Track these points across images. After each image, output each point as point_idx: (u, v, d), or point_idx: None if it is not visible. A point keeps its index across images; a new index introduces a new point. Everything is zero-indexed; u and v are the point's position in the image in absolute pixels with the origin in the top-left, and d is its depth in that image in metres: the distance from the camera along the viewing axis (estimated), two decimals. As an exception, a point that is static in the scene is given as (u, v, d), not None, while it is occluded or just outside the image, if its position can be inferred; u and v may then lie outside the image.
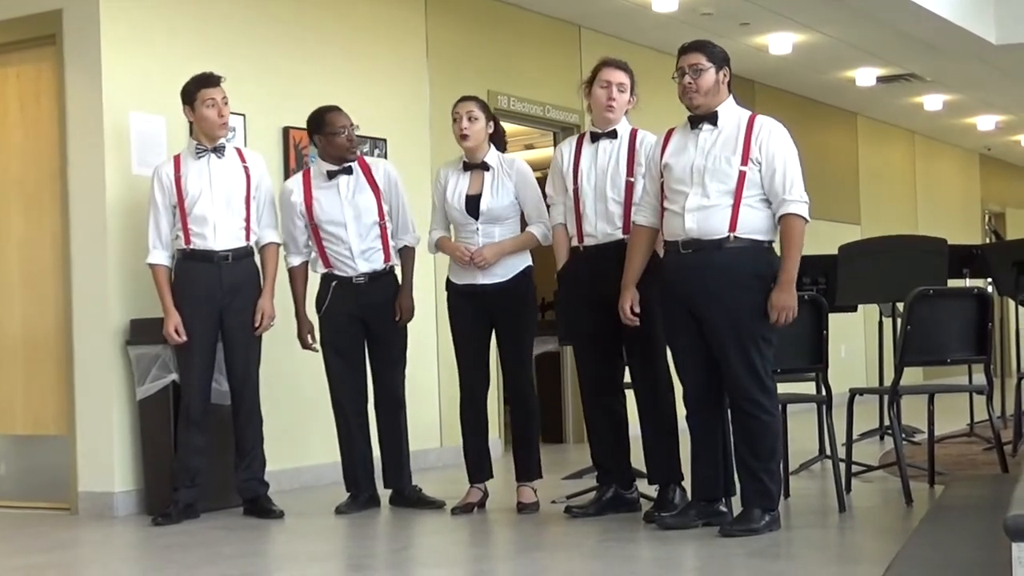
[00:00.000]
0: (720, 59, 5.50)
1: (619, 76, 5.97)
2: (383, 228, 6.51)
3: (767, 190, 5.37)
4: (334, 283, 6.50)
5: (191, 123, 6.50)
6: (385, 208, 6.52)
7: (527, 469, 6.36)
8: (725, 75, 5.50)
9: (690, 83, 5.46)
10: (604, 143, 5.97)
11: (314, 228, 6.49)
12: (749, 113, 5.51)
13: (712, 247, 5.35)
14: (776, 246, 5.46)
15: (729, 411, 5.49)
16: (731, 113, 5.49)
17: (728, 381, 5.41)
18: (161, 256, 6.40)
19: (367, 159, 6.66)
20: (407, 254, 6.61)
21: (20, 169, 7.21)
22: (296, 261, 6.59)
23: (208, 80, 6.40)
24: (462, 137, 6.28)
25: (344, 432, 6.57)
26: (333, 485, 6.77)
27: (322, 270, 6.54)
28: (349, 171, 6.49)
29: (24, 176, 7.19)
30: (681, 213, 5.42)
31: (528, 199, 6.30)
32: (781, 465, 5.65)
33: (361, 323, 6.51)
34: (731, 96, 5.54)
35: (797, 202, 5.35)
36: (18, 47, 7.16)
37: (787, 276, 5.35)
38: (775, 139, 5.39)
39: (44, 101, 7.06)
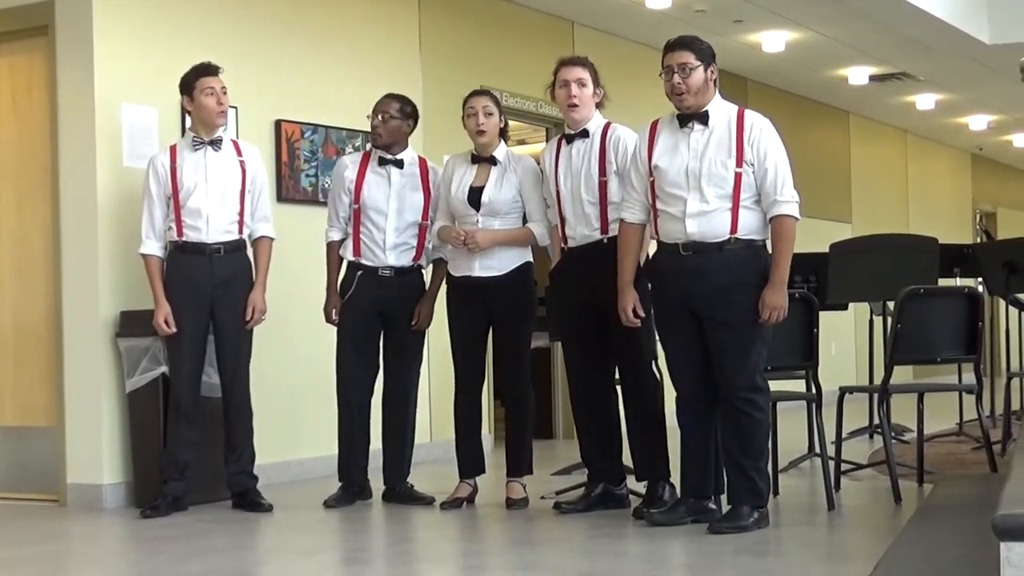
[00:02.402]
0: (708, 56, 5.45)
1: (575, 72, 5.93)
2: (423, 230, 6.49)
3: (759, 190, 5.37)
4: (360, 272, 6.48)
5: (189, 114, 6.49)
6: (431, 213, 6.50)
7: (518, 465, 6.36)
8: (713, 72, 5.45)
9: (679, 83, 5.40)
10: (577, 144, 5.96)
11: (356, 210, 6.47)
12: (737, 109, 5.46)
13: (713, 249, 5.35)
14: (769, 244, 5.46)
15: (720, 408, 5.49)
16: (721, 111, 5.44)
17: (722, 379, 5.40)
18: (153, 247, 6.38)
19: (428, 162, 6.64)
20: (441, 266, 6.55)
21: (11, 161, 7.19)
22: (336, 236, 6.56)
23: (207, 69, 6.39)
24: (479, 132, 6.26)
25: (346, 423, 6.54)
26: (322, 479, 6.76)
27: (351, 257, 6.52)
28: (399, 164, 6.48)
29: (15, 168, 7.18)
30: (681, 218, 5.40)
31: (531, 197, 6.25)
32: (770, 463, 5.65)
33: (380, 317, 6.49)
34: (717, 91, 5.51)
35: (788, 202, 5.34)
36: (10, 38, 7.14)
37: (779, 276, 5.35)
38: (765, 138, 5.36)
39: (36, 93, 7.05)
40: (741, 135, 5.36)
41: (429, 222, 6.47)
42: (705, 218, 5.36)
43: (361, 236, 6.47)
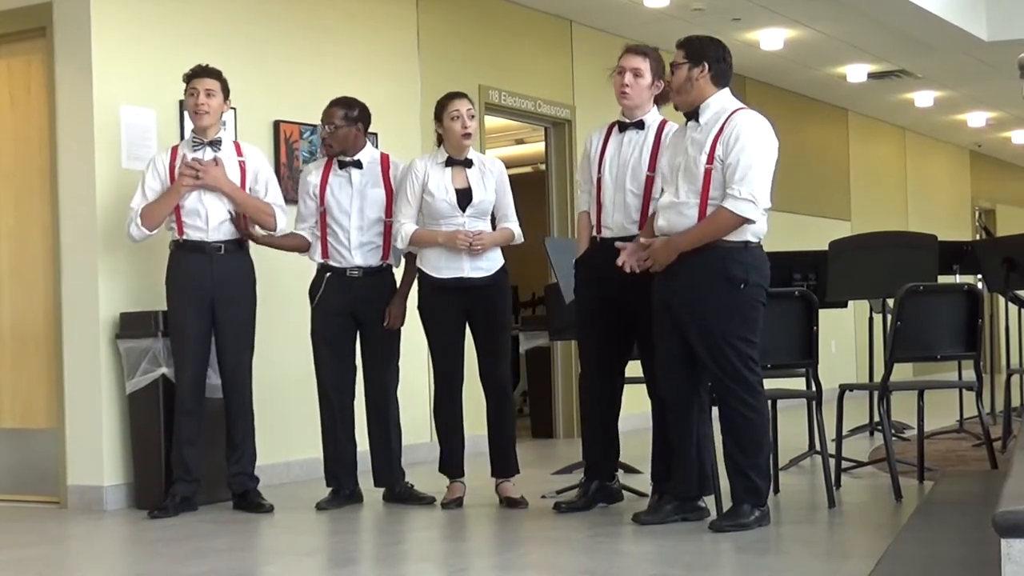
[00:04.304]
0: (697, 55, 5.45)
1: (633, 61, 5.87)
2: (387, 227, 6.47)
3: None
4: (328, 274, 6.49)
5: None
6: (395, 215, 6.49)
7: (509, 465, 6.39)
8: (703, 71, 5.43)
9: (668, 81, 5.49)
10: (630, 134, 5.92)
11: (323, 213, 6.49)
12: (733, 109, 5.43)
13: None
14: (747, 246, 5.35)
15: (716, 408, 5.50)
16: (715, 109, 5.42)
17: (710, 379, 5.44)
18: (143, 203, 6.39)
19: (391, 157, 6.65)
20: (413, 261, 6.53)
21: (10, 162, 7.19)
22: (308, 237, 6.57)
23: (195, 71, 6.41)
24: (466, 136, 6.28)
25: (328, 425, 6.56)
26: (323, 480, 6.75)
27: (319, 260, 6.54)
28: (358, 165, 6.50)
29: (14, 169, 7.17)
30: (657, 210, 5.46)
31: (504, 198, 6.37)
32: (770, 461, 5.64)
33: (352, 317, 6.50)
34: (722, 91, 5.47)
35: (739, 198, 5.24)
36: (8, 40, 7.14)
37: (678, 239, 5.33)
38: (739, 135, 5.29)
39: (34, 94, 7.05)
40: (720, 133, 5.34)
41: (393, 222, 6.43)
42: (674, 211, 5.39)
43: (328, 238, 6.49)
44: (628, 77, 5.87)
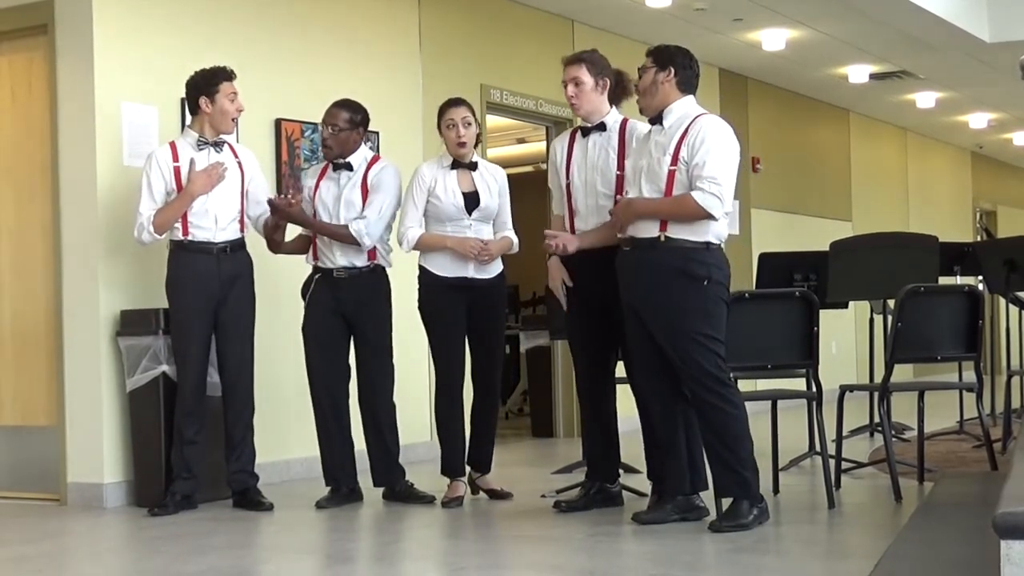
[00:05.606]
0: (663, 60, 5.51)
1: (570, 72, 5.95)
2: None
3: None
4: (317, 275, 6.52)
5: (196, 113, 6.41)
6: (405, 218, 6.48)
7: (486, 460, 6.53)
8: (668, 75, 5.49)
9: (637, 84, 5.60)
10: (594, 137, 5.95)
11: (314, 214, 6.51)
12: (697, 114, 5.48)
13: (646, 246, 5.41)
14: (708, 247, 5.40)
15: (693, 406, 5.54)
16: (678, 114, 5.48)
17: (682, 379, 5.47)
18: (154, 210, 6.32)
19: (380, 159, 6.66)
20: (345, 230, 6.39)
21: (11, 159, 7.19)
22: (306, 235, 6.63)
23: (230, 74, 6.39)
24: (460, 144, 6.32)
25: (321, 424, 6.58)
26: (322, 478, 6.76)
27: (311, 261, 6.56)
28: (349, 167, 6.50)
29: (15, 166, 7.18)
30: None
31: (504, 205, 6.46)
32: (759, 454, 5.61)
33: (342, 317, 6.51)
34: (687, 97, 5.52)
35: (707, 193, 5.29)
36: (10, 36, 7.14)
37: (641, 202, 5.42)
38: (705, 138, 5.34)
39: (36, 91, 7.05)
40: (684, 136, 5.39)
41: (399, 226, 6.41)
42: None
43: (316, 239, 6.53)
44: (571, 88, 5.95)
